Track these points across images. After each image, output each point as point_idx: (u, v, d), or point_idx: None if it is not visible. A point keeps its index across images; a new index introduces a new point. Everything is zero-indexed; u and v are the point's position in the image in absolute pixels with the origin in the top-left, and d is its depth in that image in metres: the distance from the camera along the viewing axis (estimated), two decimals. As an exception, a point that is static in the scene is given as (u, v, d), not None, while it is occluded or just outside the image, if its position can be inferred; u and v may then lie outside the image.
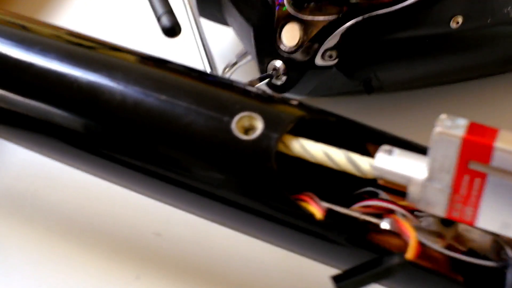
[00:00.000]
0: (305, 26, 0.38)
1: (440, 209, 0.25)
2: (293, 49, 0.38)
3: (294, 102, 0.29)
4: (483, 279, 0.27)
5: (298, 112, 0.28)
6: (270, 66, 0.40)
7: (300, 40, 0.38)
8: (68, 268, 0.41)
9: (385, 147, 0.27)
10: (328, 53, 0.38)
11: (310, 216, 0.27)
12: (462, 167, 0.24)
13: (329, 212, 0.27)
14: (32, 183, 0.45)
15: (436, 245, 0.27)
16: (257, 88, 0.31)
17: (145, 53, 0.32)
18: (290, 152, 0.28)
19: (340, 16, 0.37)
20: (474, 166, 0.24)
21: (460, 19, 0.38)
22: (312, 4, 0.38)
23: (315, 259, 0.30)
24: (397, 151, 0.26)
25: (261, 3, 0.39)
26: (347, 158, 0.27)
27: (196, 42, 0.44)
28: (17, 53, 0.31)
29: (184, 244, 0.41)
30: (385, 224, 0.28)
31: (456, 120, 0.24)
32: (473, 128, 0.24)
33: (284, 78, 0.40)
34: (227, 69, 0.44)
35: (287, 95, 0.40)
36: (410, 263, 0.26)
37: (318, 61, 0.38)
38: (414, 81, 0.42)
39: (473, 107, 0.45)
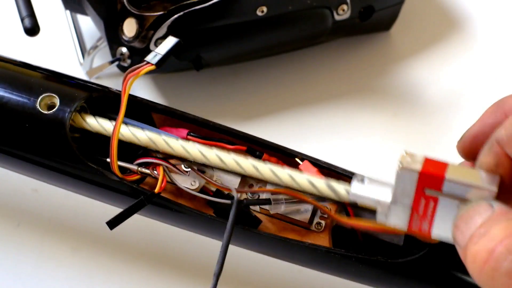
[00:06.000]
0: (140, 20, 0.48)
1: (402, 224, 0.31)
2: (131, 38, 0.49)
3: (91, 85, 0.40)
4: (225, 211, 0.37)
5: (85, 94, 0.39)
6: (118, 52, 0.50)
7: (136, 32, 0.48)
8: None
9: (358, 176, 0.32)
10: (159, 41, 0.48)
11: (98, 171, 0.38)
12: (420, 193, 0.30)
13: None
14: None
15: (184, 185, 0.38)
16: (64, 74, 0.42)
17: None
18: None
19: (166, 12, 0.48)
20: (429, 192, 0.29)
21: (264, 9, 0.49)
22: (146, 4, 0.48)
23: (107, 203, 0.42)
24: (366, 178, 0.32)
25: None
26: (328, 186, 0.35)
27: (70, 30, 0.54)
28: None
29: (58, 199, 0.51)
30: (152, 172, 0.39)
31: (414, 157, 0.30)
32: (428, 162, 0.29)
33: (129, 61, 0.50)
34: (90, 51, 0.54)
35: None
36: (156, 195, 0.37)
37: (152, 47, 0.48)
38: (234, 58, 0.53)
39: (289, 75, 0.57)
